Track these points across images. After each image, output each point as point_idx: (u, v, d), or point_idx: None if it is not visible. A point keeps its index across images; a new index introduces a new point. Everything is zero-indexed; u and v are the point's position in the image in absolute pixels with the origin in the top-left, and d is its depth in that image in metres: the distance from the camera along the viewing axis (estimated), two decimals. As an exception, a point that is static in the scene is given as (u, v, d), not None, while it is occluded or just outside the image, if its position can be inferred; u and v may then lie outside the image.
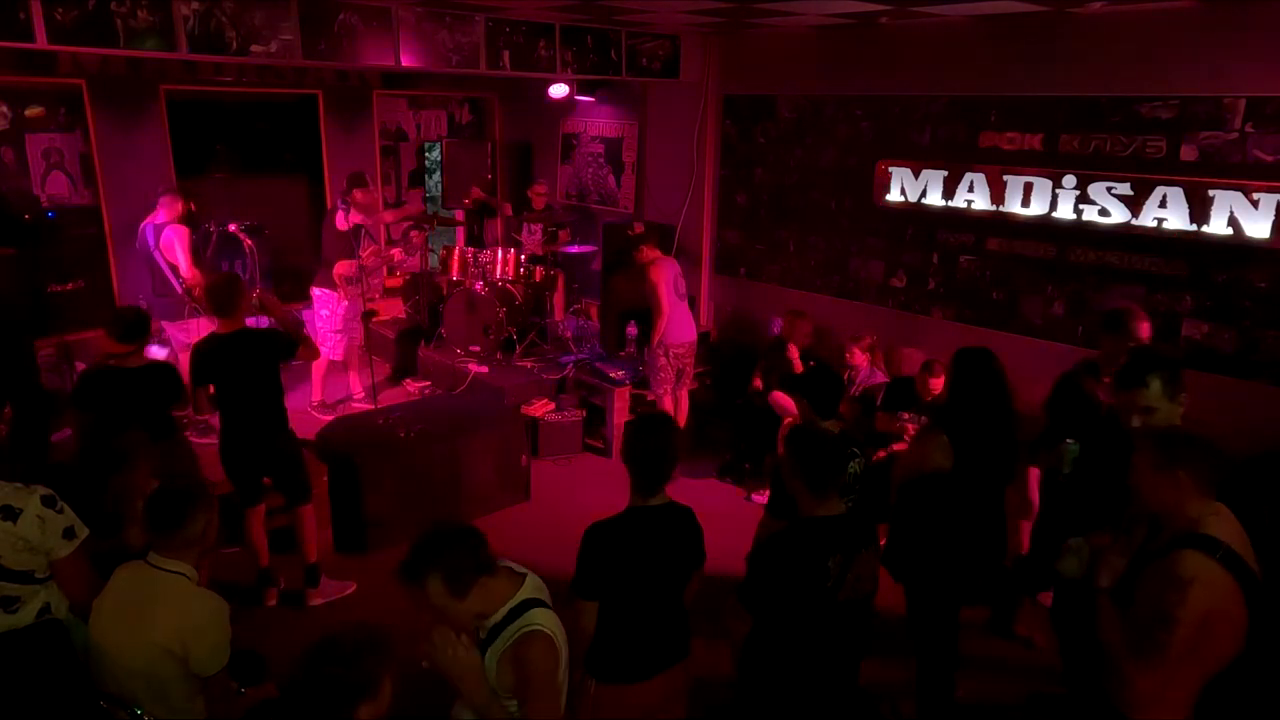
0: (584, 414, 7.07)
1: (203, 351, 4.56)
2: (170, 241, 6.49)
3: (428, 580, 2.30)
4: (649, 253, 6.45)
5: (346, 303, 7.08)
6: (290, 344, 4.70)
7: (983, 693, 4.11)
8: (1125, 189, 5.38)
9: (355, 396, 7.54)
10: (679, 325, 6.49)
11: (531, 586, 2.49)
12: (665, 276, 6.35)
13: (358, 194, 6.99)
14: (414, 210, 7.53)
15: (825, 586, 2.74)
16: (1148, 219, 5.31)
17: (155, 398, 4.41)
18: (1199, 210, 5.10)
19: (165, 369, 4.62)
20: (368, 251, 7.11)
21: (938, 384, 5.36)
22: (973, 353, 3.79)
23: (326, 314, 7.13)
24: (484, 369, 7.47)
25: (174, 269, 6.53)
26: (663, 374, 6.52)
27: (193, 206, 6.71)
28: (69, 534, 2.84)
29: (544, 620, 2.41)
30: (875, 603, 2.97)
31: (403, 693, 2.22)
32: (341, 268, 7.00)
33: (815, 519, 2.82)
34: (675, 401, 6.79)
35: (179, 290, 6.52)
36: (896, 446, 5.56)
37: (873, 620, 2.98)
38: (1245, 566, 2.34)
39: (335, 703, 2.08)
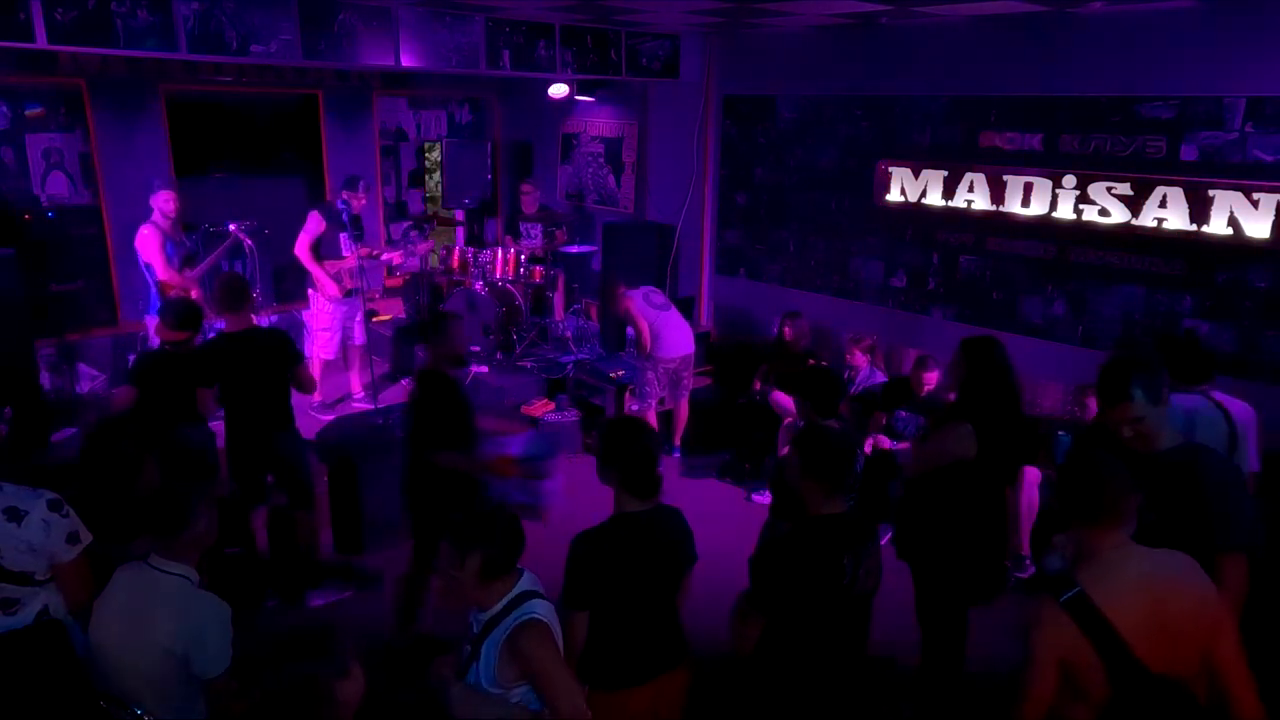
0: (580, 414, 7.06)
1: (210, 351, 4.59)
2: (142, 240, 6.38)
3: (470, 555, 2.41)
4: (619, 291, 6.54)
5: (332, 304, 7.07)
6: (296, 352, 4.73)
7: (979, 684, 4.09)
8: (1125, 189, 5.38)
9: (355, 396, 7.55)
10: (671, 340, 6.42)
11: (528, 580, 2.54)
12: (635, 301, 6.41)
13: (346, 195, 6.98)
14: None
15: (843, 584, 2.74)
16: (1148, 219, 5.31)
17: (197, 382, 4.50)
18: (1199, 210, 5.10)
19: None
20: (350, 255, 7.05)
21: (931, 378, 5.40)
22: (980, 341, 3.75)
23: (315, 311, 7.16)
24: (484, 369, 7.47)
25: (149, 268, 6.42)
26: (649, 388, 6.47)
27: (168, 209, 6.44)
28: (73, 539, 2.84)
29: (540, 610, 2.47)
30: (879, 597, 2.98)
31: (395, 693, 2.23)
32: (314, 270, 6.99)
33: (824, 517, 2.81)
34: (675, 409, 6.78)
35: (151, 287, 6.45)
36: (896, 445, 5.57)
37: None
38: (1092, 613, 2.22)
39: (312, 689, 2.11)
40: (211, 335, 5.04)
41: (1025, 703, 2.28)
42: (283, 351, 4.68)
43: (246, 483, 4.74)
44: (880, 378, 6.27)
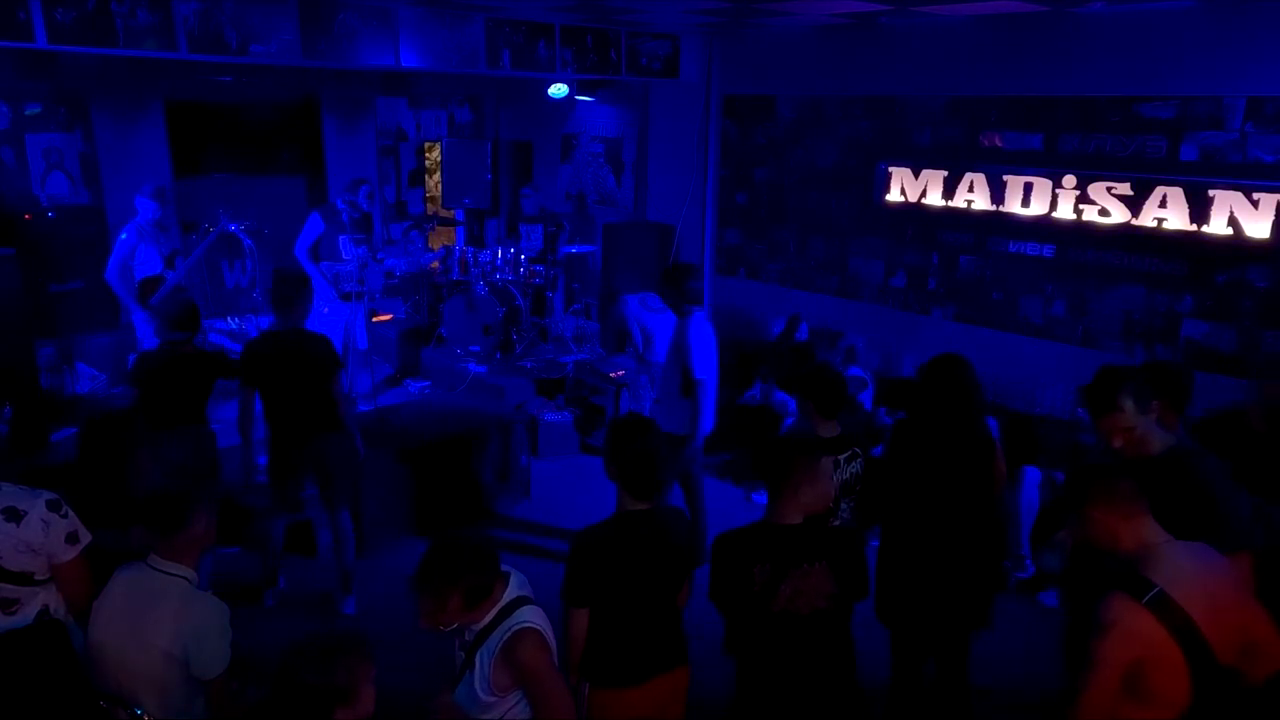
0: (580, 413, 7.07)
1: (254, 350, 4.56)
2: (119, 244, 6.31)
3: (448, 599, 2.37)
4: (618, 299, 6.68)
5: (330, 306, 7.06)
6: (337, 361, 4.64)
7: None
8: (1125, 189, 5.38)
9: (356, 396, 7.54)
10: (664, 344, 6.40)
11: (516, 585, 2.54)
12: (630, 306, 6.53)
13: (348, 198, 6.97)
14: None
15: (752, 593, 2.69)
16: (1148, 219, 5.31)
17: (196, 382, 4.50)
18: (1199, 210, 5.10)
19: (210, 358, 4.66)
20: (350, 258, 7.04)
21: None
22: (942, 361, 3.61)
23: (314, 313, 7.15)
24: (484, 369, 7.47)
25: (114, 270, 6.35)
26: (643, 391, 6.54)
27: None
28: (72, 539, 2.84)
29: (531, 617, 2.48)
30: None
31: (397, 693, 2.23)
32: (312, 272, 6.98)
33: (758, 525, 2.80)
34: None
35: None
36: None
37: (836, 645, 2.82)
38: (1177, 611, 2.20)
39: (310, 708, 2.11)
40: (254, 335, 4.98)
41: (1088, 694, 2.22)
42: (326, 359, 4.57)
43: (281, 488, 4.68)
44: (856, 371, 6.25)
